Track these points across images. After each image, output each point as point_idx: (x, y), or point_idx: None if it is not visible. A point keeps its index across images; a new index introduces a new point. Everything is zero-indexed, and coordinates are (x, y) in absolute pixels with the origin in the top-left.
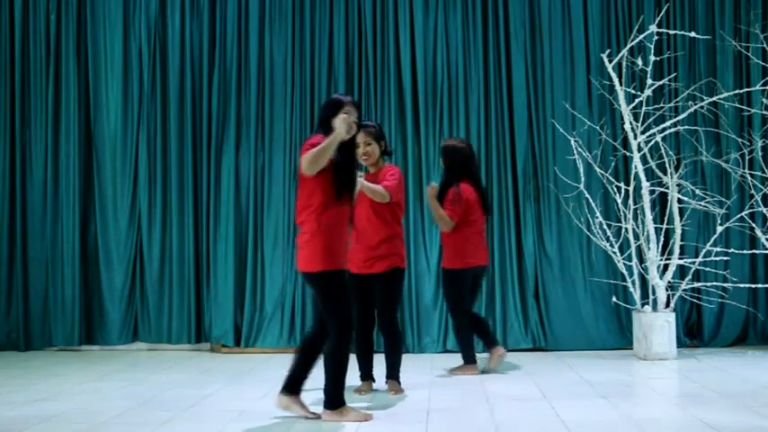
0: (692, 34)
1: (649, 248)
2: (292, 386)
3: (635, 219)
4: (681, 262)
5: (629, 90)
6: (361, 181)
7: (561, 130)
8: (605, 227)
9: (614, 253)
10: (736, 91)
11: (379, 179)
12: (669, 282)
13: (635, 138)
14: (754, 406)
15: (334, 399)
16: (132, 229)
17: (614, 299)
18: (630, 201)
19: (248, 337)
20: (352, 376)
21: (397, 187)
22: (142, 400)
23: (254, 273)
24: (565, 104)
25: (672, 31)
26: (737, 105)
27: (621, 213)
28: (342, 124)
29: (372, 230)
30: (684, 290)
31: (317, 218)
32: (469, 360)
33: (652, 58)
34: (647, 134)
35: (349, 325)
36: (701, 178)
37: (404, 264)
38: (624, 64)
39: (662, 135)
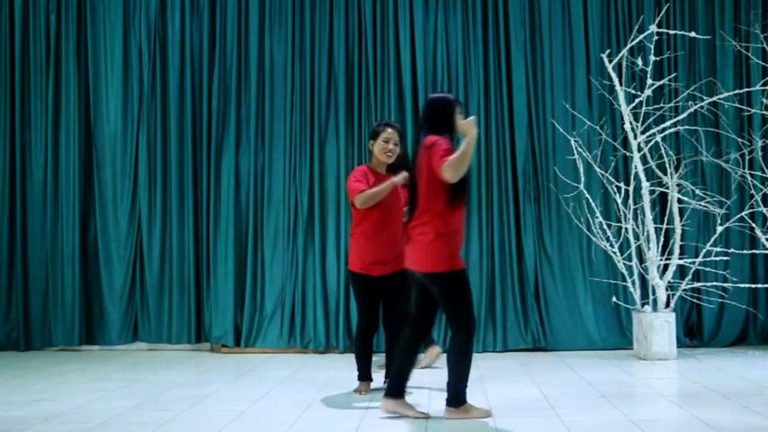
0: (692, 34)
1: (649, 248)
2: (398, 389)
3: (635, 219)
4: (681, 262)
5: (629, 90)
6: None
7: (561, 130)
8: (605, 227)
9: (614, 253)
10: (736, 91)
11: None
12: (669, 282)
13: (635, 138)
14: (754, 406)
15: (461, 396)
16: (132, 229)
17: (614, 299)
18: (630, 201)
19: (248, 337)
20: (353, 376)
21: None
22: (142, 400)
23: (254, 273)
24: (565, 104)
25: (672, 31)
26: (737, 105)
27: (621, 213)
28: (474, 126)
29: (402, 231)
30: (684, 290)
31: (443, 219)
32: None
33: (652, 58)
34: (647, 134)
35: (474, 321)
36: (700, 178)
37: None
38: (624, 64)
39: (662, 135)
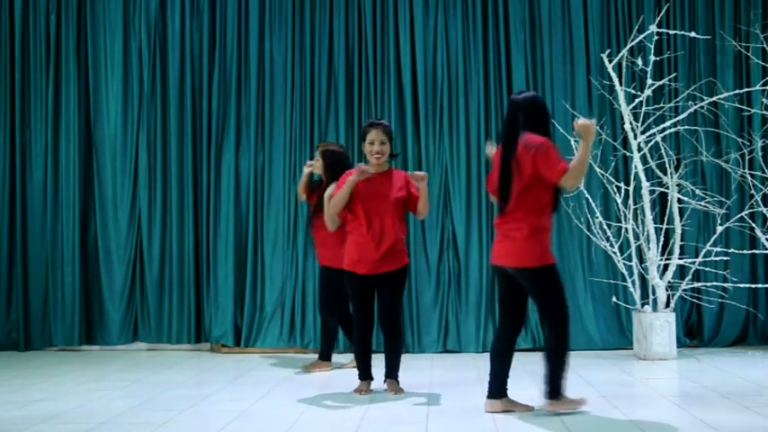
0: (692, 34)
1: (649, 248)
2: (500, 389)
3: (635, 219)
4: (681, 262)
5: (629, 90)
6: (426, 189)
7: (561, 130)
8: (605, 227)
9: (614, 253)
10: (736, 91)
11: (387, 181)
12: (669, 282)
13: (635, 138)
14: (754, 406)
15: (560, 388)
16: (132, 229)
17: (614, 299)
18: (630, 201)
19: (248, 337)
20: (353, 376)
21: None
22: (142, 400)
23: (254, 273)
24: (565, 104)
25: (672, 31)
26: (737, 105)
27: (621, 213)
28: (593, 133)
29: (394, 231)
30: (684, 290)
31: (538, 217)
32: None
33: (652, 58)
34: (647, 134)
35: (567, 313)
36: (700, 178)
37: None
38: (624, 64)
39: (662, 135)
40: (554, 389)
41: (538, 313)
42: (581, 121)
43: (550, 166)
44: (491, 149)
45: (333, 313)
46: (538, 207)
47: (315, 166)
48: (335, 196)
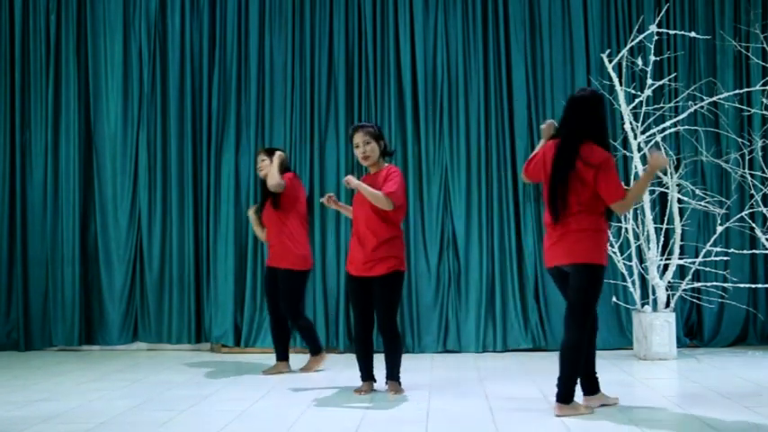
0: (692, 34)
1: (649, 248)
2: (593, 386)
3: (635, 219)
4: (681, 262)
5: (629, 90)
6: (360, 183)
7: None
8: None
9: (614, 253)
10: (736, 91)
11: (379, 180)
12: (669, 282)
13: (635, 138)
14: (754, 406)
15: (571, 393)
16: (132, 229)
17: (614, 299)
18: None
19: (248, 337)
20: (353, 376)
21: (399, 192)
22: (142, 400)
23: (254, 273)
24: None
25: (672, 31)
26: (737, 105)
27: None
28: (661, 162)
29: (372, 233)
30: (684, 290)
31: (600, 218)
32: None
33: (652, 58)
34: (647, 134)
35: (595, 318)
36: (700, 178)
37: (404, 266)
38: (624, 64)
39: (662, 135)
40: (566, 393)
41: (567, 311)
42: (658, 155)
43: (610, 190)
44: (549, 127)
45: (299, 315)
46: (598, 210)
47: (262, 167)
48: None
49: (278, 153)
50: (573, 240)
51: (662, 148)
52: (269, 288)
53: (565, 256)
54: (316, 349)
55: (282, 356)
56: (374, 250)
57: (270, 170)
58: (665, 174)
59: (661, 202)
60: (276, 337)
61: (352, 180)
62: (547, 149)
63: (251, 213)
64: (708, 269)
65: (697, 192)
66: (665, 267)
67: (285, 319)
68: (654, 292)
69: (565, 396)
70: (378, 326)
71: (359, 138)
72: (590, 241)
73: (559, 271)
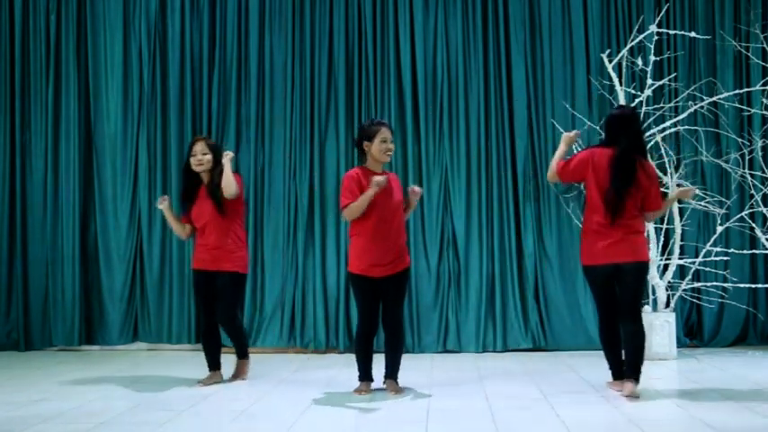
0: (692, 34)
1: (649, 248)
2: (636, 370)
3: None
4: (681, 262)
5: (629, 90)
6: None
7: (561, 130)
8: None
9: None
10: (736, 91)
11: (392, 185)
12: (669, 282)
13: None
14: (754, 406)
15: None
16: (132, 229)
17: None
18: None
19: (248, 336)
20: (353, 376)
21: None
22: (142, 400)
23: (254, 273)
24: (565, 104)
25: (672, 31)
26: (737, 105)
27: None
28: (689, 194)
29: (399, 232)
30: (684, 290)
31: (644, 221)
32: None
33: (652, 58)
34: (648, 134)
35: None
36: (700, 178)
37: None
38: (624, 64)
39: (662, 135)
40: (637, 373)
41: (626, 306)
42: (687, 191)
43: (658, 200)
44: (573, 138)
45: (237, 317)
46: (642, 214)
47: (203, 162)
48: (353, 206)
49: (230, 155)
50: (636, 240)
51: (662, 148)
52: (207, 293)
53: (630, 254)
54: (245, 353)
55: (218, 365)
56: (401, 249)
57: (226, 176)
58: (666, 174)
59: None
60: (212, 345)
61: (418, 190)
62: (600, 156)
63: (164, 207)
64: (708, 269)
65: (697, 192)
66: (665, 267)
67: (217, 326)
68: (654, 292)
69: (637, 376)
70: (387, 321)
71: (389, 134)
72: (645, 242)
73: (617, 268)
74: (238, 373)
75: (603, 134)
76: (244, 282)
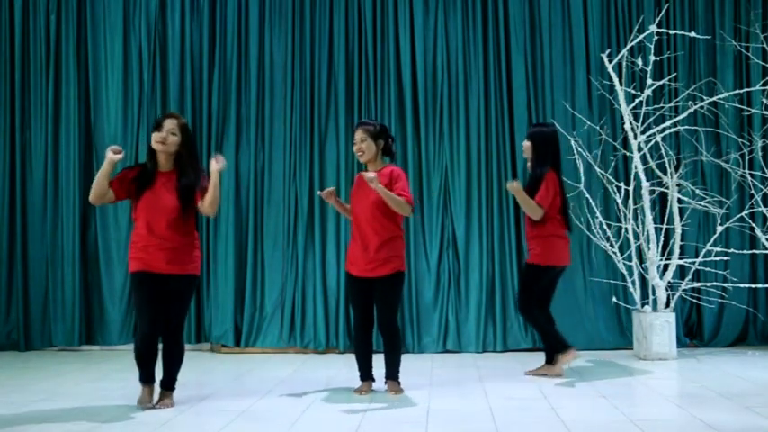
0: (692, 34)
1: (649, 248)
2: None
3: (635, 219)
4: (681, 262)
5: (629, 90)
6: (383, 188)
7: (561, 130)
8: (605, 227)
9: (614, 253)
10: (736, 91)
11: (381, 180)
12: (669, 282)
13: (635, 138)
14: (754, 406)
15: None
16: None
17: (614, 299)
18: (630, 201)
19: (248, 337)
20: (353, 376)
21: (410, 195)
22: None
23: (254, 273)
24: (565, 104)
25: (672, 31)
26: (737, 105)
27: (621, 213)
28: None
29: (374, 232)
30: (684, 290)
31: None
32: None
33: (652, 58)
34: (647, 134)
35: None
36: (700, 178)
37: (404, 266)
38: (624, 64)
39: (662, 135)
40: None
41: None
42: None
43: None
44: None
45: (183, 329)
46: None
47: (167, 141)
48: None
49: (222, 163)
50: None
51: (662, 148)
52: (160, 298)
53: None
54: (173, 384)
55: (153, 379)
56: (377, 251)
57: (213, 190)
58: (666, 174)
59: (661, 203)
60: (153, 356)
61: (373, 179)
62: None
63: (117, 159)
64: (708, 269)
65: (697, 192)
66: (665, 267)
67: (158, 336)
68: (654, 292)
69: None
70: (378, 325)
71: (357, 135)
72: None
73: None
74: (164, 402)
75: (539, 152)
76: (196, 285)
